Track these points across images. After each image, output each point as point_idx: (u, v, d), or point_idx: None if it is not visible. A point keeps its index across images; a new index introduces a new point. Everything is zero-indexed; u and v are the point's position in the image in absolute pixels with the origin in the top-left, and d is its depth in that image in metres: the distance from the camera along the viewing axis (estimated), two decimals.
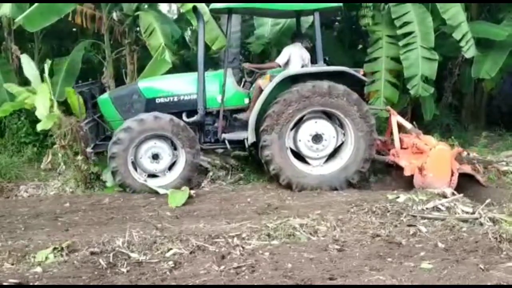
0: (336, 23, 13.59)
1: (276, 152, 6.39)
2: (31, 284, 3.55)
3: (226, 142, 6.77)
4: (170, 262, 3.94)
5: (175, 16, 11.29)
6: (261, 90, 6.60)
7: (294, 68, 6.87)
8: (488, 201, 5.49)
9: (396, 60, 8.76)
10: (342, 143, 6.67)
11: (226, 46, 7.09)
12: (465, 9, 8.67)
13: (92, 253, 4.07)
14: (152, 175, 6.57)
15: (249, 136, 6.57)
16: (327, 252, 4.16)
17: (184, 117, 6.76)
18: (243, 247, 4.27)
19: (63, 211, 5.59)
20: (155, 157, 6.47)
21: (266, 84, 6.57)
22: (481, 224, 4.83)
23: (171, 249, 4.22)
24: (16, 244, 4.35)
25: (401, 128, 7.18)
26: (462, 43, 8.42)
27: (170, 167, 6.57)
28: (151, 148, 6.45)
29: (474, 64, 9.28)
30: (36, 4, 7.24)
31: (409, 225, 4.81)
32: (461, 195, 5.74)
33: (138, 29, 9.63)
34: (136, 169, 6.47)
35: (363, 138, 6.50)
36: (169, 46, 8.27)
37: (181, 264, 3.93)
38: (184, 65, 10.58)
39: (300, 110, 6.39)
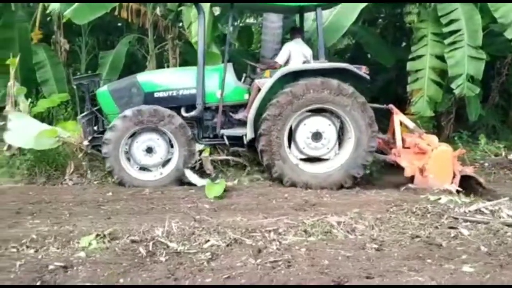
0: (380, 20, 13.36)
1: (291, 175, 6.36)
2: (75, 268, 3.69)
3: (225, 137, 6.72)
4: (208, 254, 3.99)
5: (217, 12, 11.38)
6: (258, 89, 6.55)
7: (294, 65, 6.76)
8: None
9: (441, 58, 8.53)
10: (342, 125, 6.55)
11: (227, 40, 6.92)
12: None
13: (132, 241, 4.18)
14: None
15: (247, 132, 6.52)
16: (365, 251, 4.11)
17: (182, 111, 6.72)
18: (279, 242, 4.27)
19: (106, 199, 5.76)
20: (149, 150, 6.50)
21: (264, 82, 6.52)
22: None
23: (208, 240, 4.27)
24: (61, 230, 4.52)
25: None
26: None
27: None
28: (141, 146, 6.47)
29: None
30: None
31: (451, 227, 4.69)
32: (507, 198, 5.56)
33: (181, 24, 9.79)
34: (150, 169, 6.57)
35: (352, 108, 6.33)
36: (213, 39, 8.32)
37: (218, 256, 3.97)
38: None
39: (284, 125, 6.31)
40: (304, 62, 6.91)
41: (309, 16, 8.85)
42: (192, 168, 6.70)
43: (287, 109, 6.29)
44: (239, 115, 6.82)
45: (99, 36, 11.52)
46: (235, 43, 13.42)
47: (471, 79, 8.28)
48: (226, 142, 6.76)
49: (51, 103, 8.59)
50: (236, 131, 6.75)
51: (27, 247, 4.11)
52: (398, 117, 7.00)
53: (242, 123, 6.69)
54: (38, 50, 9.59)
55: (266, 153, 6.38)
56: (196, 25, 8.33)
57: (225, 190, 5.97)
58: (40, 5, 9.26)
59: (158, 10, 9.84)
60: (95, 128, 6.97)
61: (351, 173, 6.41)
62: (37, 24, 9.67)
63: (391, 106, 7.22)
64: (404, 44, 12.09)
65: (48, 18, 9.75)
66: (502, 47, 8.98)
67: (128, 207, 5.42)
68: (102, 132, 6.68)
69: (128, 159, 6.53)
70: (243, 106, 6.84)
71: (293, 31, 7.37)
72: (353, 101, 6.33)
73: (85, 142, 6.70)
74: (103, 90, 6.86)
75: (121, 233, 4.38)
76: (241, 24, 13.90)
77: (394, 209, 5.20)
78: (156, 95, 6.74)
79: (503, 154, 8.85)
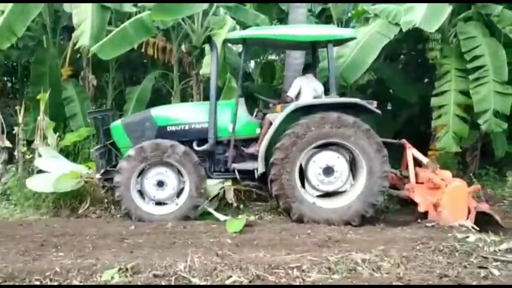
0: (402, 56, 13.42)
1: (310, 214, 6.30)
2: None
3: (236, 172, 6.72)
4: None
5: (240, 49, 11.63)
6: (270, 124, 6.58)
7: (305, 99, 6.82)
8: None
9: (466, 94, 8.47)
10: (353, 156, 6.47)
11: (239, 76, 7.00)
12: None
13: (155, 276, 4.16)
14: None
15: (259, 166, 6.51)
16: None
17: (194, 145, 6.78)
18: (303, 279, 4.20)
19: (129, 233, 5.77)
20: (161, 184, 6.54)
21: (275, 116, 6.56)
22: None
23: (231, 276, 4.22)
24: (84, 263, 4.52)
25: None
26: None
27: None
28: (151, 181, 6.52)
29: None
30: (109, 35, 7.78)
31: (480, 267, 4.54)
32: None
33: (205, 60, 10.01)
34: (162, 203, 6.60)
35: (356, 138, 6.28)
36: (234, 76, 8.49)
37: None
38: (247, 96, 10.83)
39: (293, 167, 6.29)
40: (315, 97, 6.96)
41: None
42: (214, 197, 6.72)
43: (292, 150, 6.30)
44: (251, 149, 6.84)
45: (125, 72, 11.82)
46: (257, 79, 13.63)
47: (498, 114, 8.18)
48: (238, 176, 6.76)
49: (77, 137, 8.78)
50: (248, 165, 6.75)
51: (51, 280, 4.14)
52: (411, 151, 6.93)
53: (254, 157, 6.70)
54: (67, 86, 9.89)
55: (281, 197, 6.37)
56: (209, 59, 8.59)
57: (247, 225, 5.94)
58: (71, 42, 9.60)
59: (183, 47, 10.12)
60: (109, 161, 7.05)
61: (370, 202, 6.33)
62: (67, 60, 10.02)
63: (403, 140, 7.16)
64: (426, 80, 12.08)
65: (78, 55, 10.09)
66: None
67: (150, 241, 5.42)
68: (115, 166, 6.73)
69: (143, 197, 6.57)
70: (255, 140, 6.87)
71: (305, 67, 7.52)
72: (356, 130, 6.31)
73: (97, 176, 6.76)
74: (116, 124, 6.98)
75: (143, 267, 4.37)
76: (264, 61, 14.15)
77: (421, 246, 5.07)
78: (169, 129, 6.83)
79: None
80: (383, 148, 6.37)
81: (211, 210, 6.64)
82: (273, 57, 15.07)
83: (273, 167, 6.34)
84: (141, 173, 6.53)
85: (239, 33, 7.11)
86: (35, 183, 7.05)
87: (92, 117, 7.18)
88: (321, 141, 6.36)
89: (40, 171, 7.42)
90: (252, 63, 14.30)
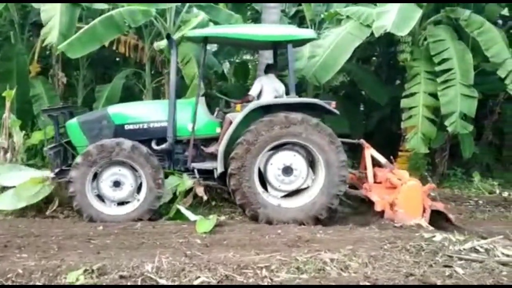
0: (374, 58, 13.61)
1: (277, 216, 6.31)
2: None
3: (195, 171, 6.66)
4: None
5: (214, 49, 11.59)
6: (230, 123, 6.57)
7: (265, 99, 6.85)
8: None
9: (434, 96, 8.65)
10: (312, 156, 6.51)
11: (200, 74, 6.96)
12: (508, 45, 8.47)
13: (121, 277, 4.08)
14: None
15: (218, 166, 6.47)
16: None
17: (153, 144, 6.69)
18: (271, 279, 4.19)
19: (96, 233, 5.65)
20: (117, 184, 6.37)
21: (235, 116, 6.56)
22: None
23: (199, 277, 4.17)
24: (49, 264, 4.40)
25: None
26: (507, 81, 8.24)
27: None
28: (107, 183, 6.33)
29: None
30: (78, 33, 7.61)
31: (445, 266, 4.61)
32: (501, 236, 5.52)
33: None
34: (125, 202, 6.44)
35: (307, 133, 6.31)
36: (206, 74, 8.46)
37: None
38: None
39: (251, 174, 6.29)
40: (276, 97, 6.97)
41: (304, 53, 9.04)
42: (188, 194, 6.65)
43: (247, 158, 6.29)
44: (211, 149, 6.79)
45: (97, 70, 11.64)
46: (231, 79, 13.62)
47: (464, 117, 8.38)
48: (197, 175, 6.67)
49: (44, 136, 8.58)
50: (207, 165, 6.70)
51: (12, 282, 4.02)
52: (369, 151, 7.01)
53: (214, 156, 6.63)
54: (35, 83, 9.68)
55: (246, 206, 6.36)
56: (193, 59, 8.54)
57: (218, 225, 5.89)
58: (39, 38, 9.39)
59: (155, 45, 10.00)
60: (65, 160, 6.85)
61: (333, 193, 6.39)
62: (36, 57, 9.79)
63: (362, 141, 7.24)
64: (398, 82, 12.29)
65: (47, 52, 9.88)
66: (494, 86, 9.13)
67: (118, 242, 5.32)
68: (70, 165, 6.49)
69: (103, 200, 6.41)
70: (215, 139, 6.81)
71: (266, 67, 7.49)
72: (306, 127, 6.33)
73: (51, 175, 6.57)
74: (72, 122, 6.77)
75: (110, 269, 4.27)
76: (237, 60, 14.14)
77: (388, 246, 5.12)
78: (126, 127, 6.69)
79: (497, 192, 8.86)
80: (336, 138, 6.42)
81: (182, 209, 6.57)
82: (247, 57, 15.10)
83: (232, 178, 6.32)
84: (95, 177, 6.35)
85: (199, 31, 7.02)
86: (3, 204, 6.74)
87: (46, 115, 6.94)
88: (273, 143, 6.37)
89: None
90: (227, 63, 14.29)
